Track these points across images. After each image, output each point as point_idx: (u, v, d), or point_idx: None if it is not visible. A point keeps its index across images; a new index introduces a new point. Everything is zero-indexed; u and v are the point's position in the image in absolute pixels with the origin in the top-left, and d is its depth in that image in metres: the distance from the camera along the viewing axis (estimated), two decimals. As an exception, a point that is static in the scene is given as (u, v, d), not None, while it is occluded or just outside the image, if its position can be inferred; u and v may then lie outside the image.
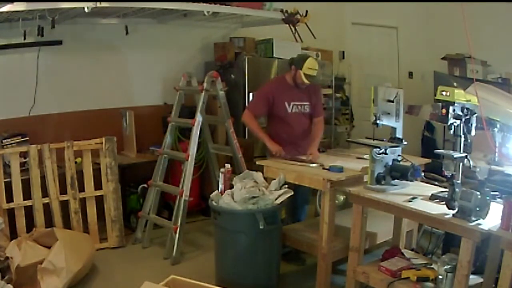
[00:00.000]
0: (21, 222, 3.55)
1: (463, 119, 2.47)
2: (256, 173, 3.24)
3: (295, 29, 4.76)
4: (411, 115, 4.20)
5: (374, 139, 2.94)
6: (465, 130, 2.49)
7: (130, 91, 4.71)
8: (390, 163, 2.72)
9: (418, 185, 2.80)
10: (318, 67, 3.46)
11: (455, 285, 2.28)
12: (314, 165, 3.19)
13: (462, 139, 2.48)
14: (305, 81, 3.43)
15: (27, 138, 3.83)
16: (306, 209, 3.90)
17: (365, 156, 3.39)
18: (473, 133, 2.52)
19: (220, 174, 3.25)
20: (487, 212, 2.21)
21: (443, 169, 2.48)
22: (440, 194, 2.50)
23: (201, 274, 3.08)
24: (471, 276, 2.28)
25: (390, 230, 3.17)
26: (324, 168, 3.08)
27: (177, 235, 3.60)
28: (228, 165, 3.31)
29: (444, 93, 2.51)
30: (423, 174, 3.00)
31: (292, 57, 3.63)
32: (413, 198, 2.50)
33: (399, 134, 2.95)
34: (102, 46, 4.48)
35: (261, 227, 2.89)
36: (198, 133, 3.83)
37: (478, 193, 2.19)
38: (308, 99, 3.61)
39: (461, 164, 2.41)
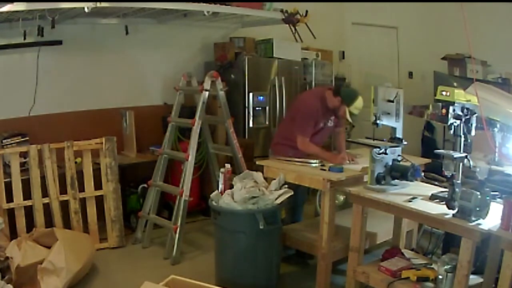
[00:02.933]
0: (21, 222, 3.55)
1: (463, 119, 2.48)
2: (256, 173, 3.24)
3: (295, 29, 4.76)
4: (415, 115, 4.20)
5: (374, 139, 2.94)
6: (465, 130, 2.50)
7: (130, 91, 4.70)
8: (390, 163, 2.72)
9: (418, 185, 2.80)
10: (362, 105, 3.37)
11: (455, 285, 2.28)
12: (314, 164, 3.19)
13: (462, 139, 2.49)
14: (349, 119, 3.37)
15: (27, 138, 3.83)
16: (302, 209, 3.89)
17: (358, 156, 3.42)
18: (473, 133, 2.52)
19: (220, 174, 3.26)
20: (487, 212, 2.22)
21: (443, 169, 2.48)
22: (440, 194, 2.50)
23: (201, 274, 3.07)
24: (471, 276, 2.28)
25: (390, 230, 3.17)
26: (322, 169, 3.08)
27: (177, 235, 3.60)
28: (228, 165, 3.31)
29: (444, 93, 2.51)
30: (423, 174, 3.00)
31: (341, 86, 3.54)
32: (413, 198, 2.50)
33: (399, 134, 2.96)
34: (102, 46, 4.48)
35: (261, 227, 2.89)
36: (198, 133, 3.83)
37: (478, 193, 2.19)
38: (334, 114, 3.57)
39: (461, 164, 2.41)
